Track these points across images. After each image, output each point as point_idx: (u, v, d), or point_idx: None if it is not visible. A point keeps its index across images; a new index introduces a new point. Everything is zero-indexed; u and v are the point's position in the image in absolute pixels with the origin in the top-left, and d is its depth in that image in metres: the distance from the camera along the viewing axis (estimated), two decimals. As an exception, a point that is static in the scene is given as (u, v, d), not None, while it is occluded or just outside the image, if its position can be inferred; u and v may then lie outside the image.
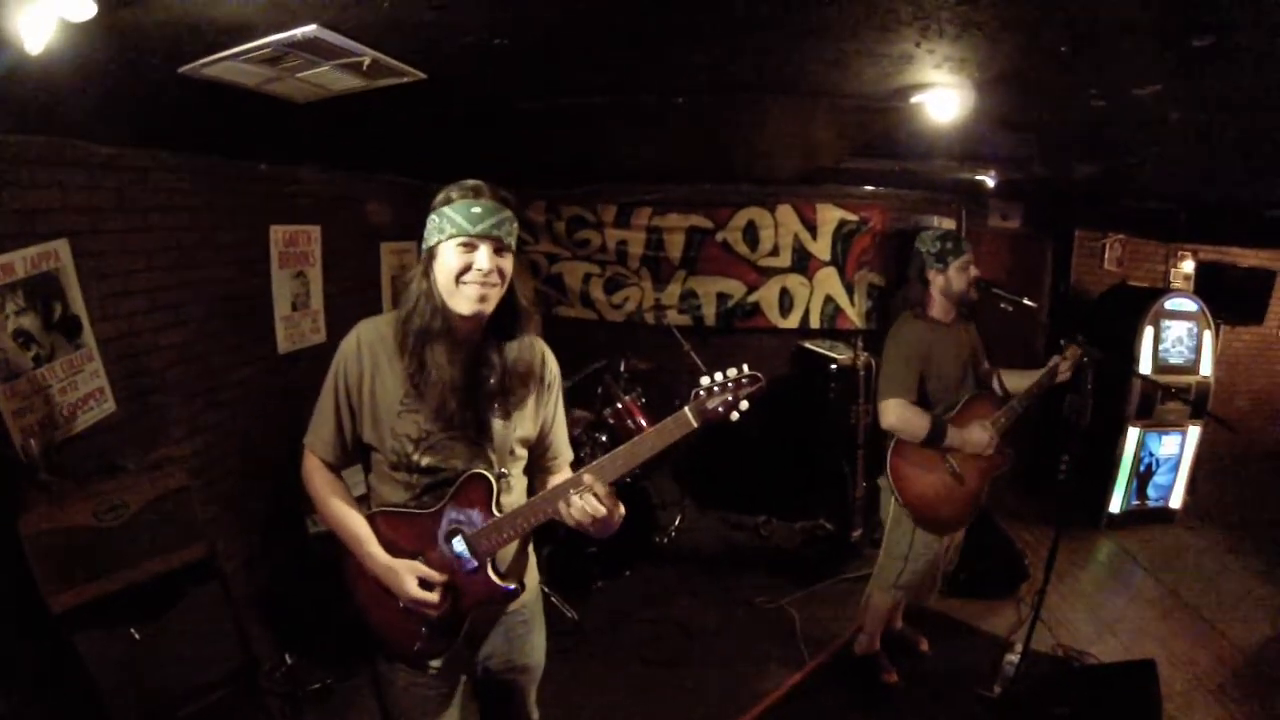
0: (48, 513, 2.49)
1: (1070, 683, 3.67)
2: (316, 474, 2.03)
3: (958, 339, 3.42)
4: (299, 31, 1.85)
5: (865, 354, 5.28)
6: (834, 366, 5.34)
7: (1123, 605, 4.70)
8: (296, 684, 3.50)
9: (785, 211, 6.19)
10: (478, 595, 1.96)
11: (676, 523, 5.52)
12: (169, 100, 2.45)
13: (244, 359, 3.91)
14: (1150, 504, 5.96)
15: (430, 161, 4.45)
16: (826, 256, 6.22)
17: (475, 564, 1.93)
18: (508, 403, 1.98)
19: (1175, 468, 5.94)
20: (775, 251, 6.27)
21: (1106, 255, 6.85)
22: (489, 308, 1.87)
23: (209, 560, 2.95)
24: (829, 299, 6.29)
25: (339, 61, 2.12)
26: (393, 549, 1.95)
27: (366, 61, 2.13)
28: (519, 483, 2.10)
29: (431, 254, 1.88)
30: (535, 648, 2.24)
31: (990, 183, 5.17)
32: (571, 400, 4.99)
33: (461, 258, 1.83)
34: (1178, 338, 5.77)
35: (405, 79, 2.35)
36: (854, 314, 6.28)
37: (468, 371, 1.91)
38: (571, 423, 4.70)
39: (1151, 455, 5.83)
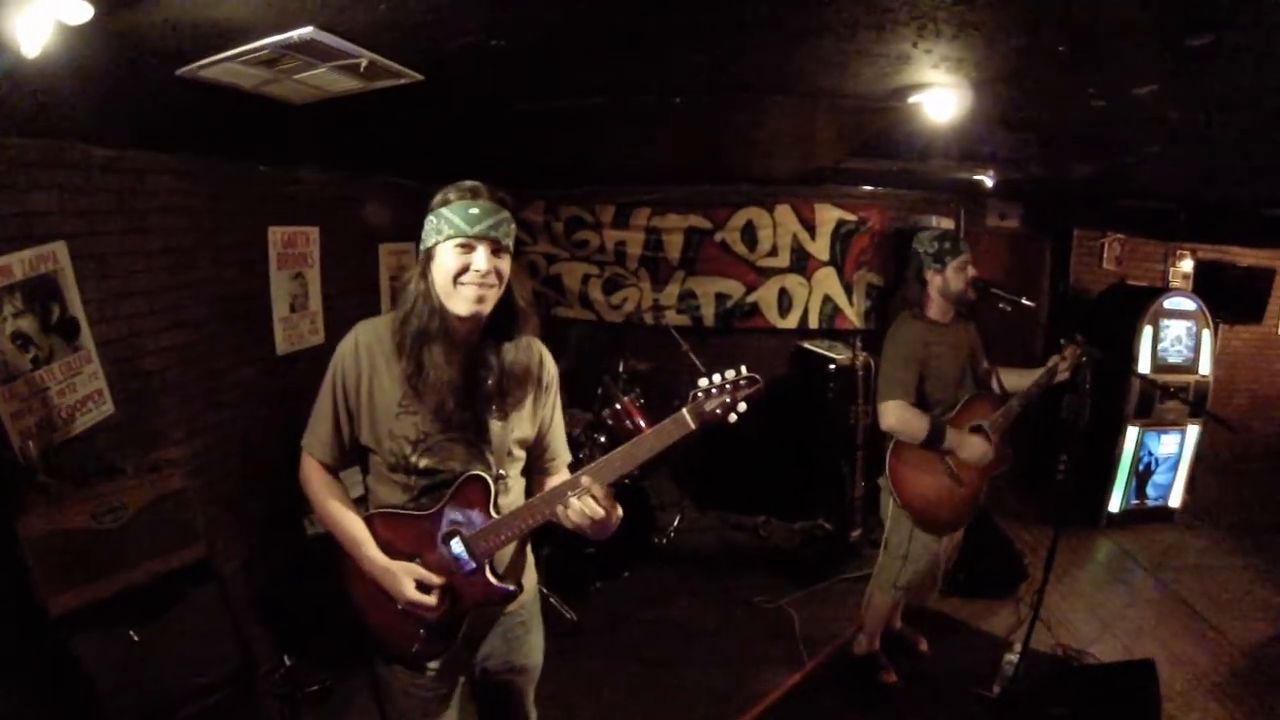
0: (46, 515, 2.49)
1: (1069, 682, 3.66)
2: (314, 475, 2.03)
3: (956, 339, 3.42)
4: (296, 33, 1.85)
5: (864, 354, 5.28)
6: (833, 367, 5.34)
7: (1122, 605, 4.70)
8: (295, 685, 3.50)
9: (784, 211, 6.19)
10: (476, 597, 1.96)
11: (675, 523, 5.53)
12: (167, 102, 2.45)
13: (242, 360, 3.91)
14: (1149, 503, 5.97)
15: (428, 162, 4.44)
16: (825, 256, 6.22)
17: (473, 565, 1.92)
18: (505, 404, 1.98)
19: (1174, 467, 5.94)
20: (774, 252, 6.27)
21: (1105, 254, 6.85)
22: (486, 309, 1.87)
23: (207, 562, 2.95)
24: (828, 299, 6.29)
25: (336, 63, 2.12)
26: (390, 550, 1.95)
27: (363, 63, 2.13)
28: (517, 484, 2.10)
29: (429, 255, 1.88)
30: (533, 648, 2.24)
31: (989, 182, 5.17)
32: (570, 401, 5.00)
33: (459, 259, 1.83)
34: (1176, 337, 5.77)
35: (403, 80, 2.35)
36: (853, 314, 6.28)
37: (465, 372, 1.91)
38: (570, 423, 4.72)
39: (1151, 454, 5.83)
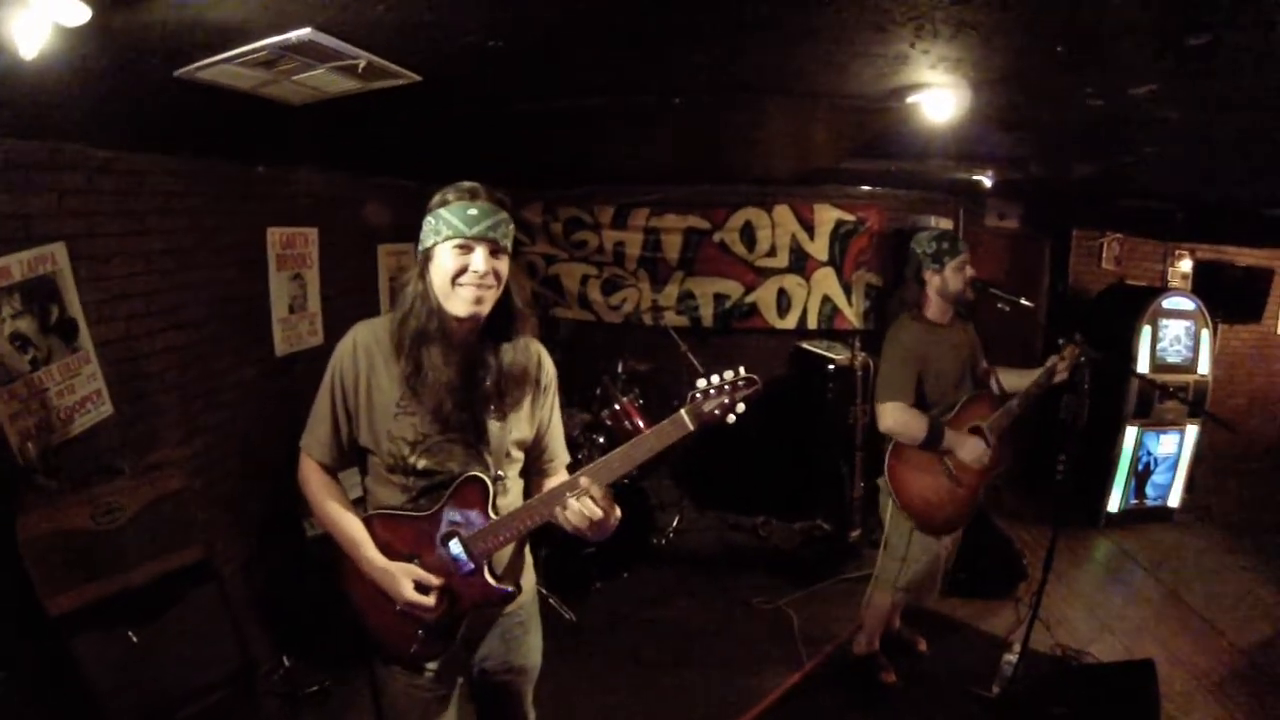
0: (45, 515, 2.49)
1: (1069, 682, 3.67)
2: (313, 476, 2.03)
3: (955, 339, 3.42)
4: (294, 35, 1.85)
5: (863, 354, 5.28)
6: (832, 367, 5.34)
7: (1121, 604, 4.71)
8: (294, 686, 3.51)
9: (783, 212, 6.20)
10: (474, 597, 1.96)
11: (674, 524, 5.53)
12: (165, 103, 2.44)
13: (241, 361, 3.91)
14: (1148, 503, 5.97)
15: (427, 163, 4.44)
16: (824, 257, 6.22)
17: (471, 566, 1.93)
18: (503, 405, 1.98)
19: (1173, 466, 5.95)
20: (773, 252, 6.28)
21: (1104, 254, 6.86)
22: (485, 310, 1.87)
23: (206, 562, 2.96)
24: (826, 299, 6.29)
25: (334, 64, 2.12)
26: (389, 552, 1.95)
27: (361, 64, 2.12)
28: (515, 485, 2.10)
29: (427, 256, 1.89)
30: (532, 649, 2.24)
31: (988, 183, 5.17)
32: (569, 401, 5.00)
33: (457, 260, 1.83)
34: (1175, 336, 5.78)
35: (400, 81, 2.35)
36: (852, 314, 6.28)
37: (464, 373, 1.92)
38: (569, 424, 4.72)
39: (1150, 454, 5.83)
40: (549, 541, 4.35)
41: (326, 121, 2.83)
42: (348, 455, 2.04)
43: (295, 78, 2.22)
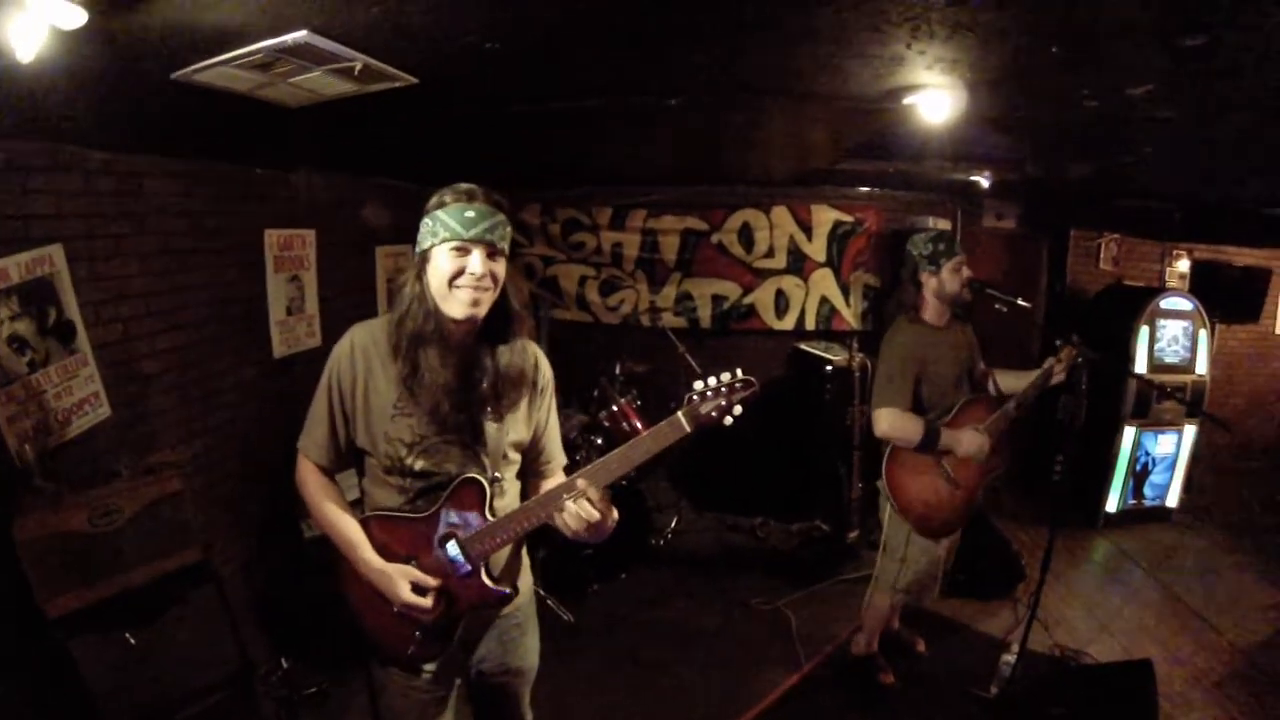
0: (43, 518, 2.49)
1: (1067, 683, 3.67)
2: (310, 478, 2.04)
3: (953, 342, 3.42)
4: (289, 37, 1.86)
5: (861, 355, 5.29)
6: (829, 368, 5.35)
7: (1119, 605, 4.71)
8: (293, 688, 3.50)
9: (780, 213, 6.21)
10: (471, 599, 1.96)
11: (673, 525, 5.53)
12: (163, 105, 2.45)
13: (240, 363, 3.91)
14: (1147, 503, 5.97)
15: (425, 164, 4.45)
16: (822, 258, 6.23)
17: (469, 568, 1.93)
18: (500, 406, 1.98)
19: (1171, 467, 5.94)
20: (770, 253, 6.28)
21: (1102, 255, 6.87)
22: (482, 312, 1.88)
23: (205, 564, 2.95)
24: (824, 300, 6.29)
25: (330, 67, 2.12)
26: (386, 553, 1.95)
27: (357, 66, 2.13)
28: (512, 487, 2.10)
29: (425, 257, 1.89)
30: (529, 650, 2.24)
31: (985, 183, 5.18)
32: (566, 402, 5.01)
33: (455, 262, 1.83)
34: (1173, 337, 5.78)
35: (397, 84, 2.35)
36: (849, 315, 6.29)
37: (460, 375, 1.92)
38: (567, 425, 4.72)
39: (1148, 454, 5.83)
40: (547, 543, 4.34)
41: (324, 123, 2.84)
42: (345, 457, 2.04)
43: (292, 80, 2.23)
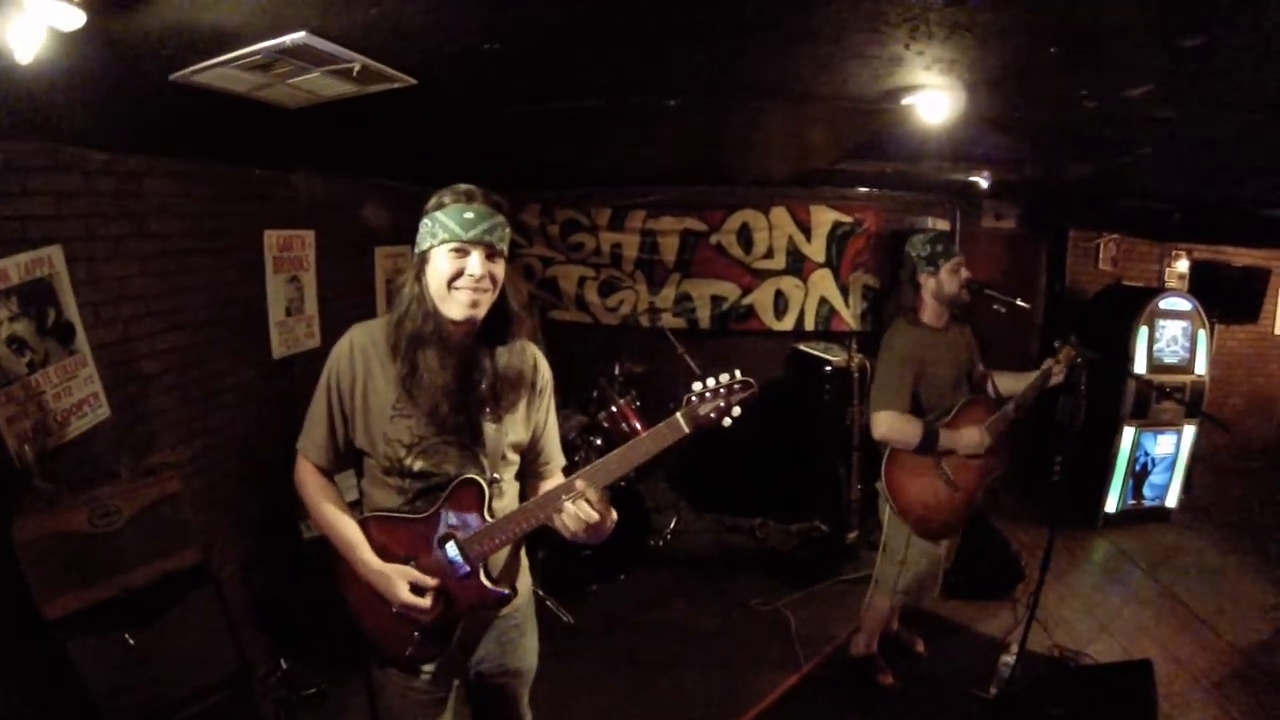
0: (42, 518, 2.50)
1: (1066, 683, 3.67)
2: (309, 479, 2.04)
3: (952, 344, 3.42)
4: (288, 38, 1.85)
5: (860, 355, 5.28)
6: (829, 368, 5.34)
7: (1119, 605, 4.71)
8: (292, 689, 3.50)
9: (779, 214, 6.20)
10: (470, 600, 1.96)
11: (672, 525, 5.53)
12: (162, 106, 2.45)
13: (239, 363, 3.91)
14: (1146, 503, 5.97)
15: (424, 165, 4.44)
16: (821, 258, 6.23)
17: (467, 569, 1.93)
18: (499, 407, 1.98)
19: (1171, 467, 5.94)
20: (769, 254, 6.28)
21: (1101, 255, 6.87)
22: (480, 313, 1.88)
23: (203, 565, 2.95)
24: (823, 301, 6.29)
25: (329, 68, 2.12)
26: (385, 554, 1.95)
27: (356, 68, 2.13)
28: (511, 488, 2.10)
29: (424, 258, 1.89)
30: (527, 651, 2.25)
31: (984, 184, 5.18)
32: (566, 403, 5.00)
33: (454, 263, 1.83)
34: (1172, 337, 5.78)
35: (396, 85, 2.35)
36: (849, 316, 6.28)
37: (459, 376, 1.92)
38: (566, 426, 4.72)
39: (1147, 455, 5.83)
40: (546, 544, 4.34)
41: (324, 124, 2.84)
42: (344, 457, 2.04)
43: (290, 81, 2.23)
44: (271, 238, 4.05)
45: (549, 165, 5.37)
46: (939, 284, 3.32)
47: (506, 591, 1.99)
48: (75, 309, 2.91)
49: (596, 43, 2.24)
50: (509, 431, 2.01)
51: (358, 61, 2.08)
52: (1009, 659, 3.61)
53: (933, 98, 2.62)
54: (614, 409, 5.08)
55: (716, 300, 6.42)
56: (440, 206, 1.86)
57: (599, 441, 4.88)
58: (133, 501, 2.73)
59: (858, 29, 1.99)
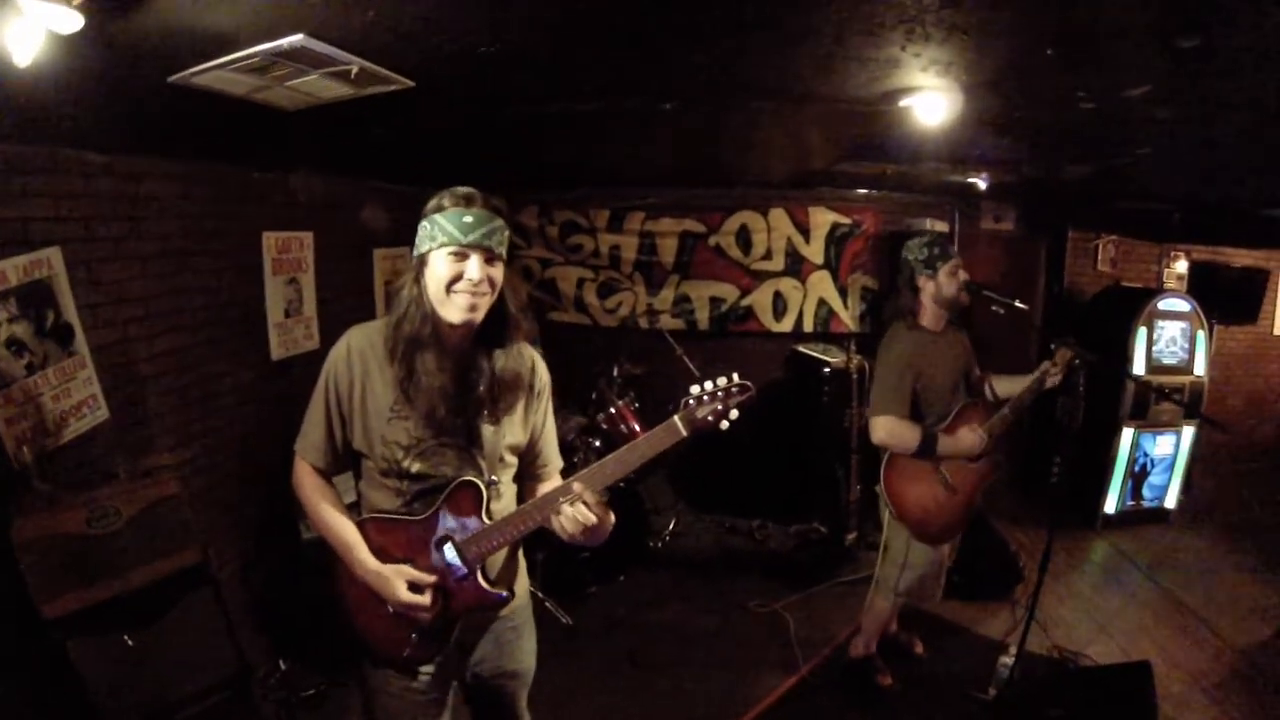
0: (41, 519, 2.50)
1: (1065, 684, 3.67)
2: (306, 480, 2.04)
3: (950, 347, 3.41)
4: (286, 41, 1.86)
5: (859, 357, 5.29)
6: (827, 370, 5.34)
7: (1118, 606, 4.71)
8: (291, 690, 3.50)
9: (778, 215, 6.20)
10: (468, 602, 1.96)
11: (670, 527, 5.53)
12: (161, 108, 2.45)
13: (238, 365, 3.91)
14: (1145, 504, 5.98)
15: (423, 166, 4.45)
16: (819, 260, 6.22)
17: (465, 571, 1.93)
18: (497, 410, 1.98)
19: (1170, 468, 5.95)
20: (768, 255, 6.28)
21: (1100, 256, 6.87)
22: (479, 316, 1.87)
23: (202, 566, 2.95)
24: (822, 302, 6.29)
25: (327, 70, 2.12)
26: (383, 556, 1.95)
27: (354, 70, 2.13)
28: (509, 490, 2.10)
29: (422, 261, 1.88)
30: (525, 653, 2.25)
31: (982, 185, 5.18)
32: (564, 404, 5.00)
33: (452, 267, 1.83)
34: (1171, 338, 5.78)
35: (394, 87, 2.35)
36: (847, 317, 6.28)
37: (457, 379, 1.92)
38: (565, 428, 4.72)
39: (1146, 455, 5.84)
40: (545, 545, 4.34)
41: (322, 125, 2.84)
42: (342, 459, 2.04)
43: (289, 83, 2.23)
44: (270, 239, 4.05)
45: (548, 166, 5.37)
46: (938, 287, 3.31)
47: (504, 594, 1.99)
48: (74, 311, 2.91)
49: (596, 43, 2.23)
50: (507, 434, 2.01)
51: (356, 64, 2.08)
52: (1008, 660, 3.60)
53: (930, 99, 2.62)
54: (613, 410, 5.08)
55: (715, 302, 6.42)
56: (439, 209, 1.86)
57: (597, 443, 4.88)
58: (132, 502, 2.73)
59: (854, 31, 1.99)
